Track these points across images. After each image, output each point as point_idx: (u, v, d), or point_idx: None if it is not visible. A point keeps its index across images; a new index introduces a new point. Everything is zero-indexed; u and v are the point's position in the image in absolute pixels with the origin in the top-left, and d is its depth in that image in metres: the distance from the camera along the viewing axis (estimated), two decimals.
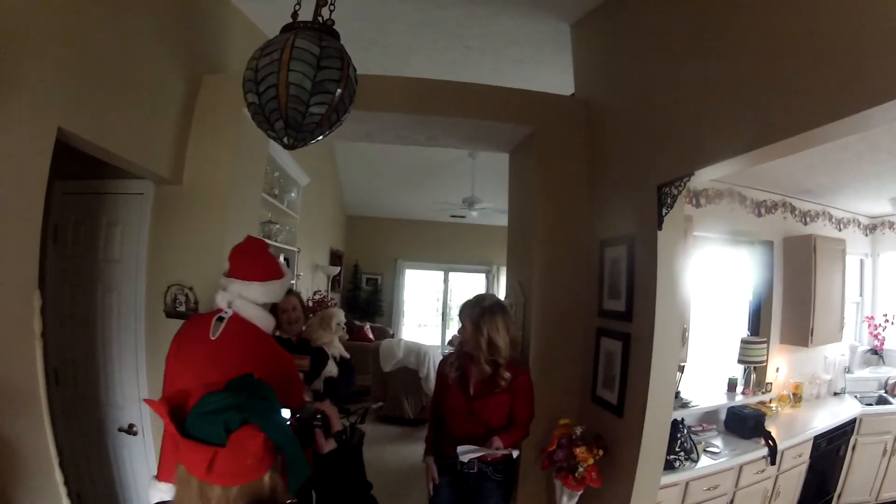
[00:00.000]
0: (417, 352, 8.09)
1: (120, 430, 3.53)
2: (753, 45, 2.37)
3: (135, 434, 3.49)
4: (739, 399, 4.93)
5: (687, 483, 3.84)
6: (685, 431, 3.96)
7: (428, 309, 13.80)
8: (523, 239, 4.13)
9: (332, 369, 3.66)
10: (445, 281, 13.39)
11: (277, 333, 3.66)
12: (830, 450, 4.87)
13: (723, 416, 4.81)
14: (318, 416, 1.98)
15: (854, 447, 5.11)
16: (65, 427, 3.55)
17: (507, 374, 3.17)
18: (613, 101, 3.68)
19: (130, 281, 3.61)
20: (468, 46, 4.77)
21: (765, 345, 5.09)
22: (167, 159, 3.48)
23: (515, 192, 4.52)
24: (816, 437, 4.71)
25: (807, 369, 5.58)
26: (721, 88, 2.57)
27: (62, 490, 2.43)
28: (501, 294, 5.98)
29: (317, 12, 2.05)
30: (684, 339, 4.18)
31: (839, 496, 5.11)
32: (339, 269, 10.78)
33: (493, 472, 3.26)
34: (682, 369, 4.45)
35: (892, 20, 1.71)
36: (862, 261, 6.47)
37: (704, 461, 4.00)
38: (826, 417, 5.04)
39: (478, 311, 3.22)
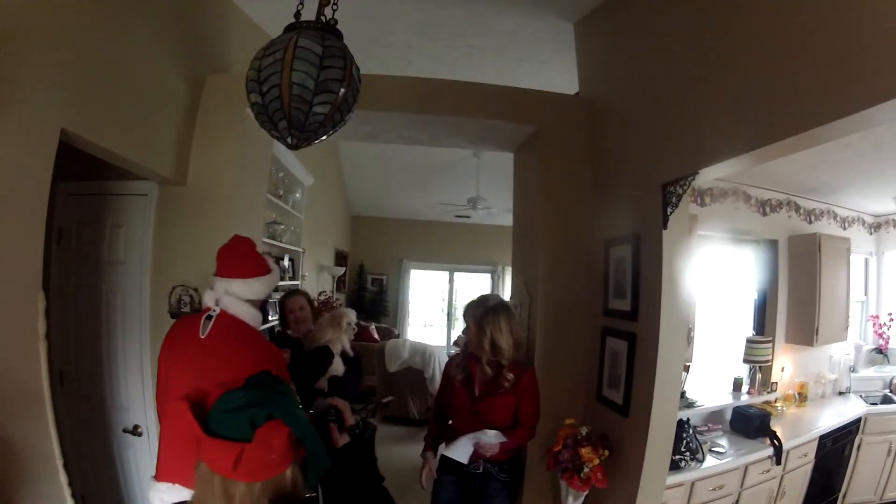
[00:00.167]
0: (423, 352, 8.08)
1: (125, 431, 3.54)
2: (755, 45, 2.37)
3: (140, 435, 3.49)
4: (745, 399, 4.92)
5: (692, 483, 3.83)
6: (690, 431, 3.95)
7: (433, 309, 13.79)
8: (528, 239, 4.12)
9: (338, 368, 3.67)
10: (450, 281, 13.36)
11: (288, 332, 3.70)
12: (835, 449, 4.85)
13: (728, 415, 4.79)
14: (332, 410, 1.99)
15: (859, 446, 5.08)
16: (69, 428, 3.55)
17: (511, 376, 3.17)
18: (616, 100, 3.67)
19: (135, 282, 3.61)
20: (471, 45, 4.77)
21: (770, 344, 5.07)
22: (171, 160, 3.48)
23: (520, 191, 4.52)
24: (822, 437, 4.69)
25: (812, 369, 5.56)
26: (723, 87, 2.57)
27: (67, 491, 2.43)
28: (507, 294, 5.97)
29: (319, 12, 2.05)
30: (689, 339, 4.16)
31: (844, 496, 5.09)
32: (344, 269, 10.78)
33: (499, 473, 3.25)
34: (687, 369, 4.44)
35: (893, 19, 1.71)
36: (866, 259, 6.44)
37: (710, 461, 3.99)
38: (831, 417, 5.01)
39: (481, 312, 3.22)
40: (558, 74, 4.78)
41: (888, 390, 5.76)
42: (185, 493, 2.27)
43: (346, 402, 2.35)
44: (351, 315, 3.93)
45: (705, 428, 4.52)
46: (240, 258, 2.53)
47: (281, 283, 6.04)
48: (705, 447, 4.07)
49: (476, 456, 3.20)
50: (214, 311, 2.43)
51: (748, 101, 2.40)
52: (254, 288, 2.49)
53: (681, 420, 3.72)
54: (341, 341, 3.78)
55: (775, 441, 4.26)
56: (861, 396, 5.62)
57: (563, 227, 3.81)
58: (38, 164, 2.35)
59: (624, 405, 3.22)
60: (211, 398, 1.26)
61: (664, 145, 3.03)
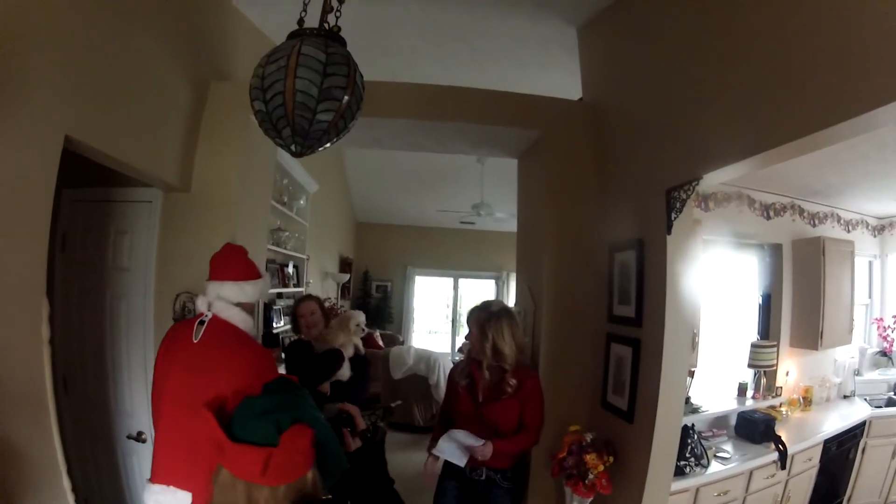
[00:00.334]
0: (427, 359, 8.07)
1: (129, 437, 3.53)
2: (758, 48, 2.37)
3: (143, 441, 3.49)
4: (749, 403, 4.90)
5: (697, 489, 3.82)
6: (695, 437, 3.94)
7: (438, 316, 13.77)
8: (532, 244, 4.12)
9: (343, 373, 3.69)
10: (455, 287, 13.32)
11: (301, 337, 3.78)
12: (840, 453, 4.84)
13: (733, 420, 4.78)
14: (344, 416, 2.00)
15: (863, 450, 5.07)
16: (73, 434, 3.56)
17: (514, 381, 3.18)
18: (620, 105, 3.67)
19: (139, 289, 3.62)
20: (475, 49, 4.78)
21: (774, 348, 5.06)
22: (175, 167, 3.48)
23: (524, 197, 4.51)
24: (826, 441, 4.67)
25: (816, 372, 5.54)
26: (727, 91, 2.57)
27: (70, 497, 2.43)
28: (512, 301, 5.95)
29: (323, 18, 2.06)
30: (694, 344, 4.16)
31: (848, 499, 5.07)
32: (348, 276, 10.78)
33: (502, 480, 3.25)
34: (692, 374, 4.42)
35: (894, 19, 1.71)
36: (871, 262, 6.42)
37: (715, 467, 3.98)
38: (836, 420, 5.00)
39: (484, 317, 3.23)
40: (562, 79, 4.77)
41: (893, 393, 5.75)
42: (180, 496, 2.29)
43: (356, 407, 2.38)
44: (359, 317, 3.97)
45: (710, 433, 4.50)
46: (232, 262, 2.61)
47: (286, 290, 6.06)
48: (710, 452, 4.06)
49: (479, 463, 3.20)
50: (207, 315, 2.49)
51: (750, 104, 2.40)
52: (245, 291, 2.56)
53: (685, 426, 3.71)
54: (352, 343, 3.81)
55: (780, 446, 4.24)
56: (866, 399, 5.61)
57: (567, 233, 3.80)
58: (42, 170, 2.35)
59: (629, 411, 3.21)
60: (229, 405, 1.28)
61: (668, 150, 3.03)
